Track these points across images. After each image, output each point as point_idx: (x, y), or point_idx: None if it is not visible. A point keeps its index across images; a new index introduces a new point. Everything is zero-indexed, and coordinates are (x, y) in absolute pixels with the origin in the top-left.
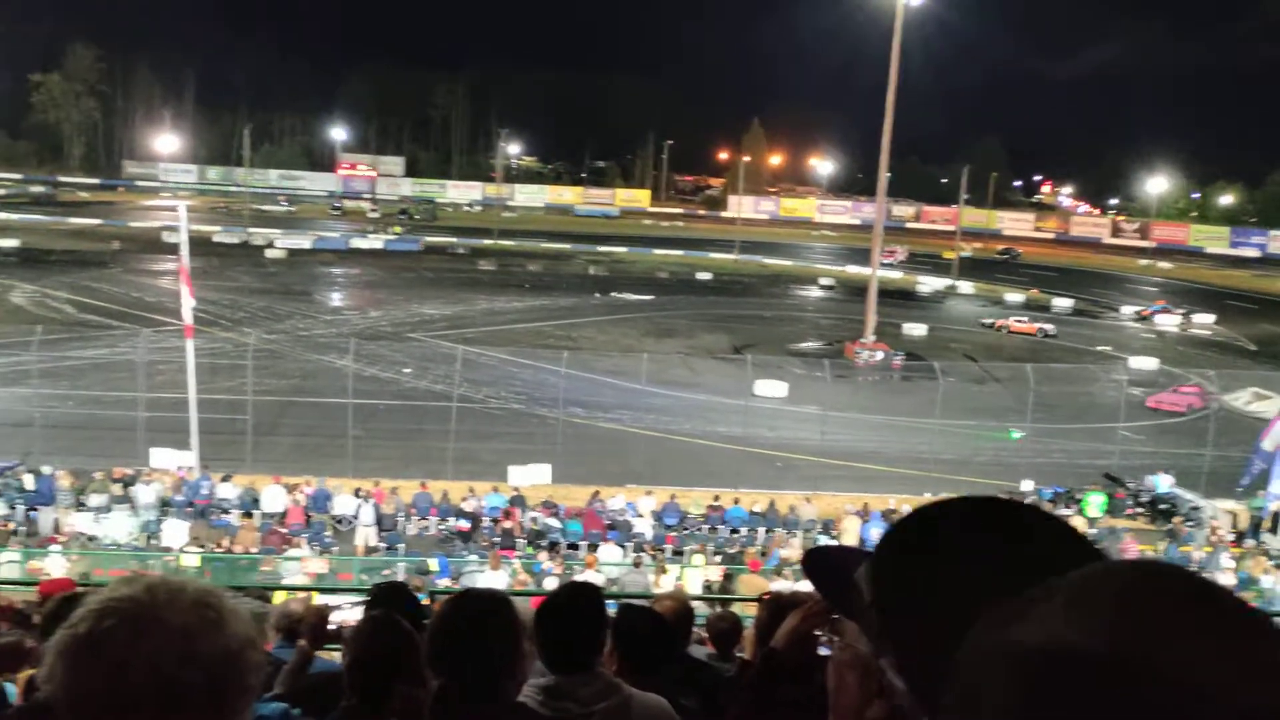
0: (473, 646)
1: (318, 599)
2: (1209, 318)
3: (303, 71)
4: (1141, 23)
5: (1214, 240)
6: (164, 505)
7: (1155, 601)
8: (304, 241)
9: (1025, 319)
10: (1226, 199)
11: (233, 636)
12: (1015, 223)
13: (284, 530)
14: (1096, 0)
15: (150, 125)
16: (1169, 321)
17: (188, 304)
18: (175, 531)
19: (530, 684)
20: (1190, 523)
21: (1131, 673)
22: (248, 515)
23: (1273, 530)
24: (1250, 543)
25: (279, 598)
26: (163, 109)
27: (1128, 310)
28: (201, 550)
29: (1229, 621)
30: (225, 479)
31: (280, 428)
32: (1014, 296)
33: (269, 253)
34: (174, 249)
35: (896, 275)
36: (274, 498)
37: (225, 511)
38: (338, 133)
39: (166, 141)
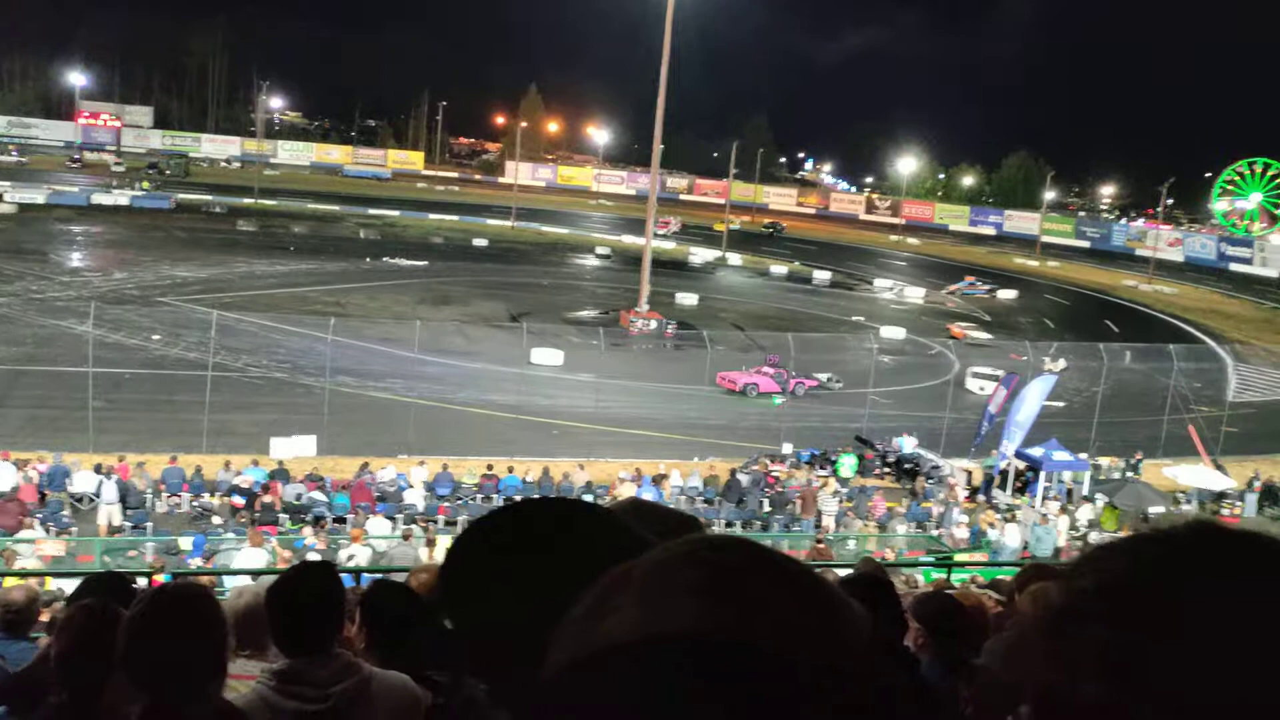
0: (170, 652)
1: (51, 584)
2: (1012, 293)
3: (38, 9)
4: (898, 13)
5: (956, 218)
6: None
7: (729, 577)
8: (37, 195)
9: (963, 324)
10: (968, 180)
11: None
12: (780, 198)
13: (22, 505)
14: None
15: None
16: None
17: None
18: None
19: (263, 669)
20: (931, 481)
21: (730, 649)
22: None
23: (1002, 487)
24: (981, 498)
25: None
26: None
27: (882, 283)
28: None
29: (798, 587)
30: None
31: (10, 399)
32: (778, 268)
33: None
34: None
35: (670, 246)
36: (2, 475)
37: None
38: (77, 78)
39: None
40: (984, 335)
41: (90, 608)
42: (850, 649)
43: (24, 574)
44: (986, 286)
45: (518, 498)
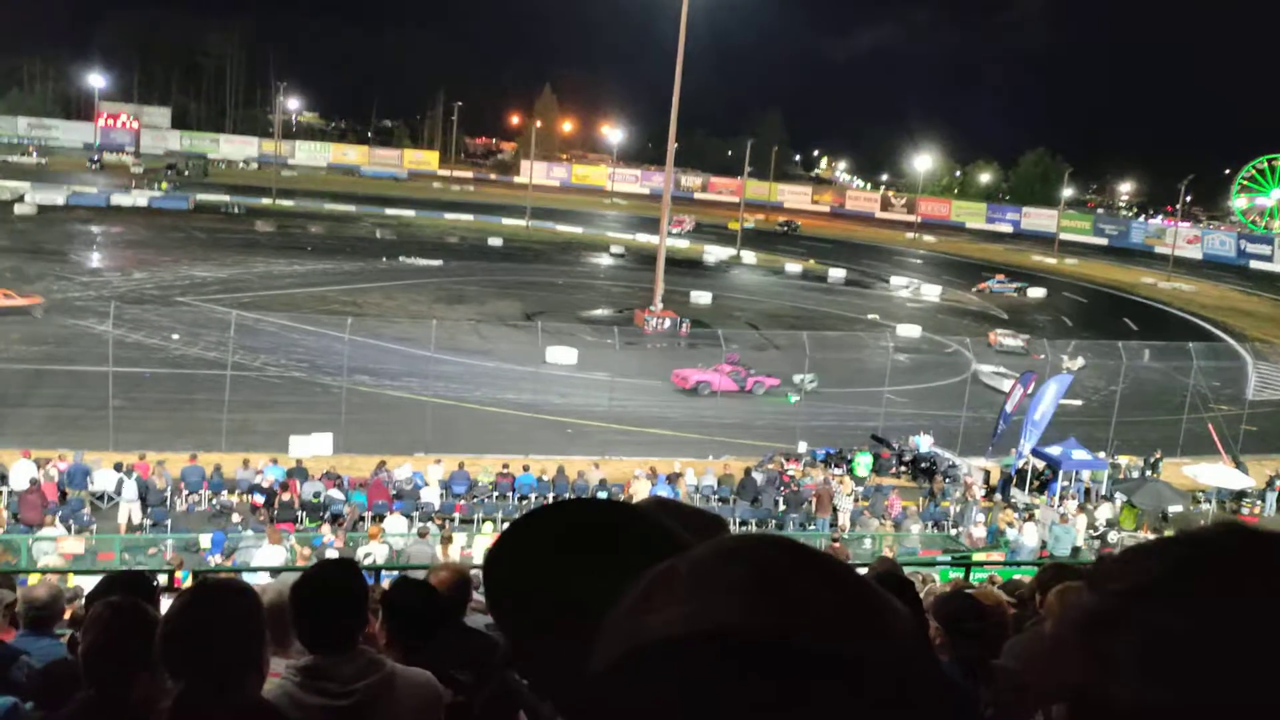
0: (208, 644)
1: (73, 581)
2: (1041, 291)
3: (56, 11)
4: (914, 9)
5: (973, 215)
6: None
7: (772, 575)
8: (57, 196)
9: (1001, 330)
10: (985, 177)
11: None
12: (794, 195)
13: (44, 498)
14: None
15: None
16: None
17: None
18: None
19: (288, 665)
20: (948, 480)
21: (772, 645)
22: None
23: (1020, 486)
24: (998, 497)
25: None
26: None
27: (898, 281)
28: None
29: (841, 585)
30: None
31: (31, 398)
32: (793, 267)
33: (18, 208)
34: None
35: (684, 244)
36: (22, 473)
37: None
38: (96, 79)
39: None
40: (1017, 342)
41: (117, 604)
42: (894, 645)
43: (46, 571)
44: (1015, 284)
45: (533, 496)
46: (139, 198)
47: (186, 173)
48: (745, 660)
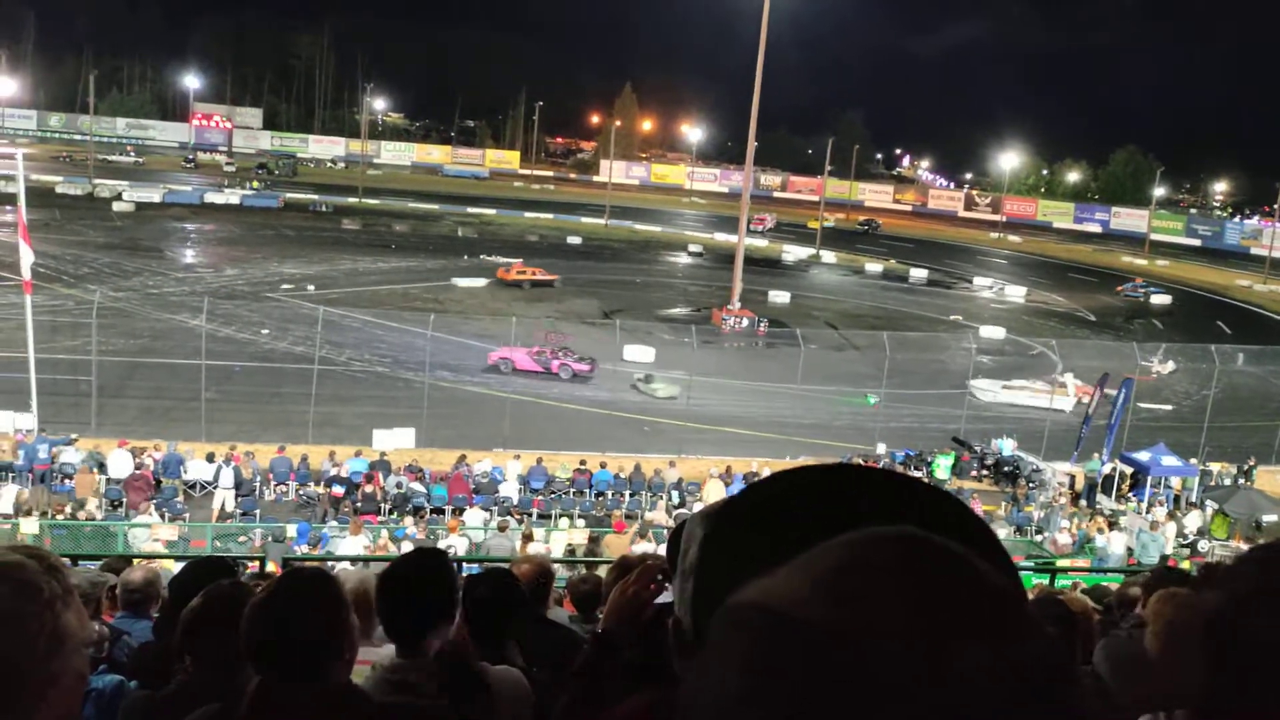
0: (287, 629)
1: (173, 567)
2: (1166, 298)
3: (154, 15)
4: (999, 4)
5: (1060, 215)
6: (1, 470)
7: (853, 569)
8: (154, 194)
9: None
10: (1073, 176)
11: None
12: (876, 194)
13: (149, 483)
14: None
15: None
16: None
17: (26, 258)
18: (10, 496)
19: (378, 659)
20: (1032, 485)
21: (829, 630)
22: None
23: (1107, 491)
24: (1083, 503)
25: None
26: None
27: (981, 282)
28: (42, 517)
29: (948, 586)
30: (68, 442)
31: (128, 389)
32: (873, 266)
33: (116, 206)
34: (10, 199)
35: (763, 243)
36: (120, 462)
37: (68, 477)
38: (191, 81)
39: (1, 84)
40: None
41: (219, 589)
42: (957, 672)
43: (145, 556)
44: (1145, 289)
45: (609, 493)
46: (231, 196)
47: (276, 172)
48: (777, 639)
